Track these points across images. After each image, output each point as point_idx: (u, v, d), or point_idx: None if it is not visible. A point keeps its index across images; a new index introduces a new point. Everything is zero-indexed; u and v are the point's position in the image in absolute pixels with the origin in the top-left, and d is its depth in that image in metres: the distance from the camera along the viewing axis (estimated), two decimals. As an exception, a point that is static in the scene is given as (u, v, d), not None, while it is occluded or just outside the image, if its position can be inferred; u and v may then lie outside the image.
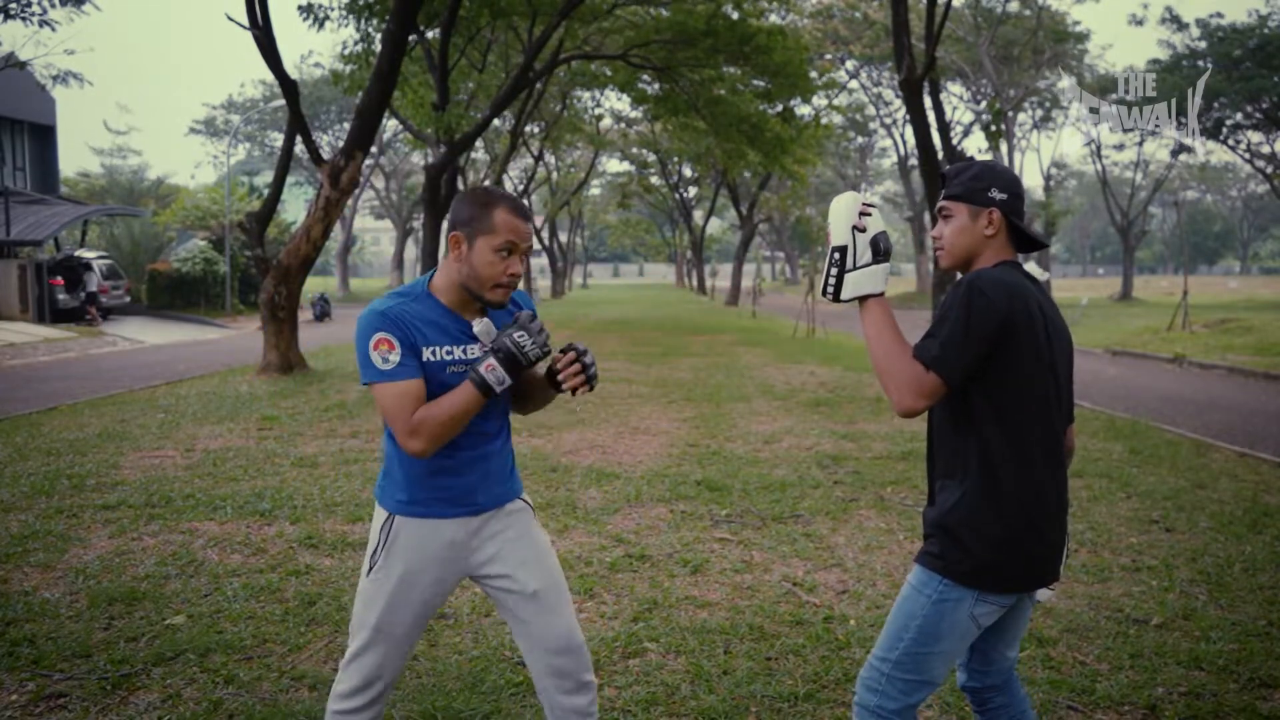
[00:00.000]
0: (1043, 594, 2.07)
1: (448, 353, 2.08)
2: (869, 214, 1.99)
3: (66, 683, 3.17)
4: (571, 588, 4.01)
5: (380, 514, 2.17)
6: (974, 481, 1.98)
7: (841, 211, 2.00)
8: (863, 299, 1.98)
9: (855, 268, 1.97)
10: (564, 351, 2.12)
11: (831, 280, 1.99)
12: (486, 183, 27.99)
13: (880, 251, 1.98)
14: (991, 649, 2.16)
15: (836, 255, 1.98)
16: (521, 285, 2.28)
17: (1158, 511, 5.46)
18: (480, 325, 2.08)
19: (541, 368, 2.24)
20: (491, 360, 1.99)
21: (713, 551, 4.71)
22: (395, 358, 2.01)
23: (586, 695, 2.21)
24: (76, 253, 24.90)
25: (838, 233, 1.99)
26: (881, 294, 1.99)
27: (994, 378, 1.94)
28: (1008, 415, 1.95)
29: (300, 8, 13.97)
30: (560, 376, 2.11)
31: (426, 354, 2.06)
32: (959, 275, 2.07)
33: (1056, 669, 3.33)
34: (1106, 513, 5.43)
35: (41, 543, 4.72)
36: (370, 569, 2.16)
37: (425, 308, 2.09)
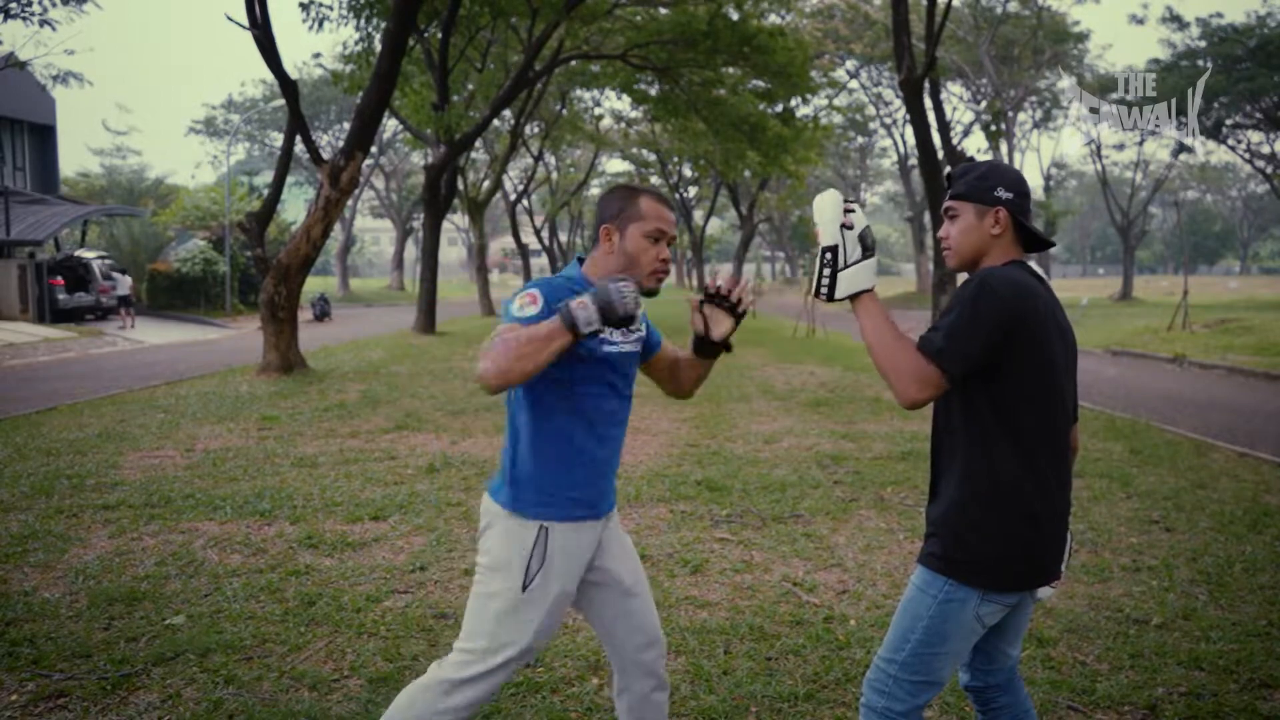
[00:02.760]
0: (1043, 592, 2.08)
1: None
2: (853, 210, 2.01)
3: (66, 683, 3.17)
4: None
5: (518, 524, 2.10)
6: (978, 480, 1.97)
7: (827, 210, 2.01)
8: (855, 295, 2.00)
9: (847, 265, 1.99)
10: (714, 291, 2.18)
11: (825, 280, 1.99)
12: (486, 183, 27.98)
13: (868, 246, 2.00)
14: (994, 648, 2.16)
15: (828, 255, 1.99)
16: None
17: (1158, 511, 5.46)
18: None
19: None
20: (587, 298, 1.92)
21: (713, 551, 4.70)
22: (534, 310, 2.01)
23: (665, 692, 2.30)
24: (76, 253, 24.88)
25: (827, 232, 2.00)
26: (872, 289, 2.00)
27: (999, 375, 1.94)
28: (1012, 413, 1.95)
29: (301, 5, 13.97)
30: (733, 296, 2.19)
31: None
32: (963, 275, 2.07)
33: (1056, 669, 3.33)
34: (1106, 513, 5.43)
35: (41, 543, 4.72)
36: (526, 584, 2.07)
37: (581, 289, 2.10)
